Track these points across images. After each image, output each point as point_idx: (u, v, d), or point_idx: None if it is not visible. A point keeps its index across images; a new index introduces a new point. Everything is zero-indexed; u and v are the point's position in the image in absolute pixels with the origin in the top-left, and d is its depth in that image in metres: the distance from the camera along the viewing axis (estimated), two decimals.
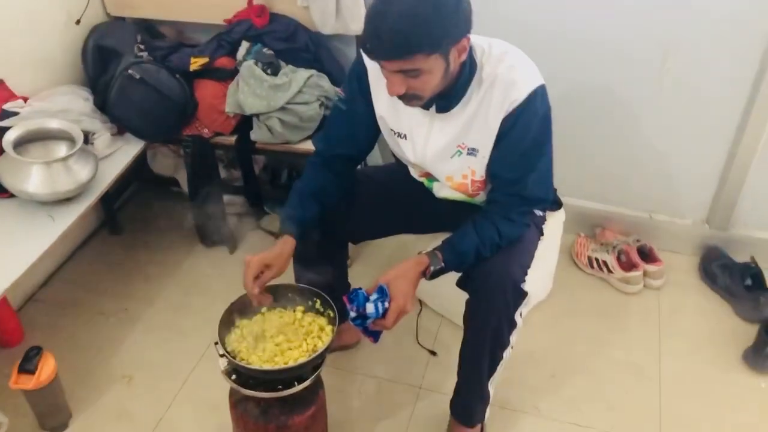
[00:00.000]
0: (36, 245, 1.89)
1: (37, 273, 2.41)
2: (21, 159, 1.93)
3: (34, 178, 1.93)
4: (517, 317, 1.62)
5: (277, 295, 1.68)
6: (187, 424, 1.96)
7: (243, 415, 1.65)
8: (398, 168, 1.86)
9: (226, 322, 1.63)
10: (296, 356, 1.58)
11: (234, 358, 1.56)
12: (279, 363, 1.56)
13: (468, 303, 1.63)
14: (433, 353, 2.18)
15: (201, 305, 2.33)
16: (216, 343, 1.57)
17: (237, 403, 1.66)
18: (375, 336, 1.63)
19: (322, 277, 1.78)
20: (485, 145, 1.56)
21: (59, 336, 2.24)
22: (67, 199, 2.00)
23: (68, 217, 1.98)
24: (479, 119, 1.54)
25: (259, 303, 1.62)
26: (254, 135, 2.26)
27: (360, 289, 1.54)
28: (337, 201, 1.74)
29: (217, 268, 2.49)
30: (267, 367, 1.54)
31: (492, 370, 1.71)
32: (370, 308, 1.51)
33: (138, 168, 2.62)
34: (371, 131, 1.73)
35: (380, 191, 1.87)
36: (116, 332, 2.25)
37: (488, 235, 1.58)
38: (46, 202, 1.98)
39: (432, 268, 1.58)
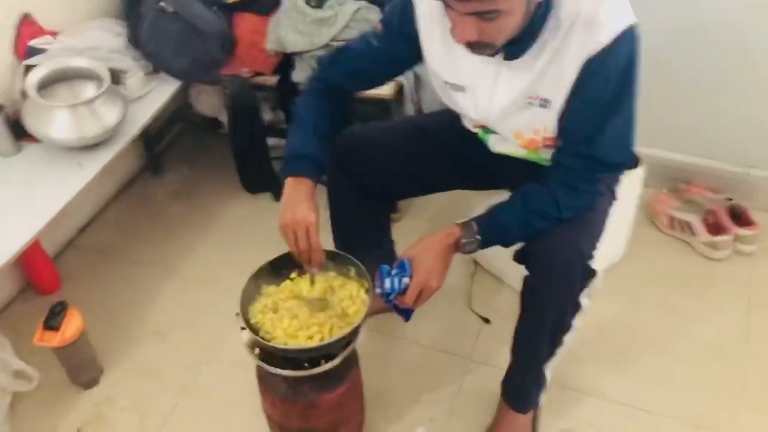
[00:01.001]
0: (62, 194, 1.77)
1: (77, 216, 2.32)
2: (44, 103, 1.79)
3: (58, 122, 1.79)
4: (582, 299, 1.40)
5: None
6: (219, 385, 1.84)
7: (270, 390, 1.51)
8: (447, 115, 1.62)
9: (251, 290, 1.47)
10: (325, 329, 1.41)
11: (257, 331, 1.40)
12: (306, 337, 1.39)
13: (526, 280, 1.42)
14: (486, 321, 1.98)
15: (241, 257, 2.15)
16: (237, 314, 1.41)
17: (263, 376, 1.51)
18: (405, 314, 1.48)
19: (359, 239, 1.59)
20: (559, 96, 1.31)
21: (94, 285, 2.15)
22: (95, 145, 1.86)
23: (96, 164, 1.84)
24: (555, 65, 1.28)
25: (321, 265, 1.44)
26: (296, 75, 2.05)
27: (385, 263, 1.40)
28: (338, 132, 1.57)
29: (259, 216, 2.35)
30: (291, 345, 1.38)
31: (550, 354, 1.51)
32: (387, 284, 1.37)
33: (183, 107, 2.47)
34: (391, 76, 1.59)
35: (427, 141, 1.64)
36: (152, 284, 2.15)
37: (541, 207, 1.35)
38: (73, 148, 1.84)
39: (464, 241, 1.37)
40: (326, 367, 1.40)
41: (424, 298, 1.38)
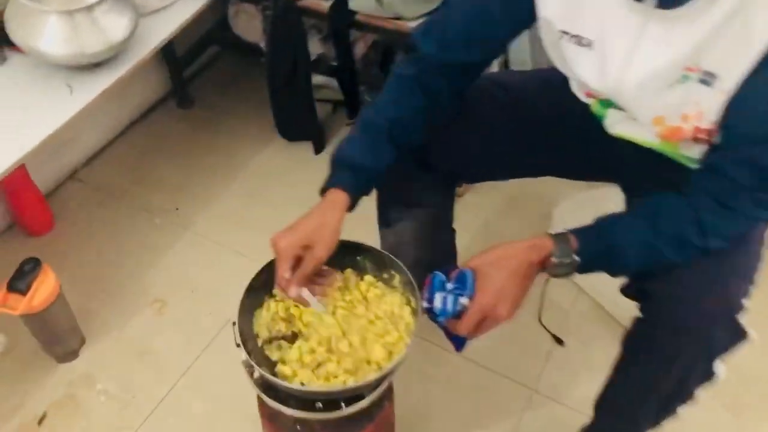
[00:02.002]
0: (49, 120, 1.40)
1: (80, 146, 1.97)
2: (32, 5, 1.40)
3: (49, 32, 1.40)
4: (717, 366, 0.98)
5: (336, 257, 1.11)
6: (220, 377, 1.49)
7: (272, 422, 1.14)
8: (550, 78, 1.18)
9: (257, 289, 1.09)
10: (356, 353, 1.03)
11: (261, 353, 1.04)
12: (325, 372, 1.02)
13: (638, 323, 1.00)
14: (559, 342, 1.57)
15: (267, 217, 1.78)
16: (234, 324, 1.03)
17: (265, 404, 1.14)
18: (457, 342, 1.09)
19: (411, 236, 1.19)
20: (733, 72, 0.86)
21: (91, 231, 1.81)
22: (95, 64, 1.48)
23: (92, 88, 1.46)
24: (734, 25, 0.84)
25: (306, 304, 1.06)
26: (354, 2, 1.62)
27: (445, 271, 1.02)
28: (425, 138, 1.13)
29: (294, 170, 1.96)
30: (303, 386, 1.00)
31: (654, 424, 1.10)
32: (437, 301, 0.99)
33: (218, 27, 2.07)
34: (515, 28, 1.10)
35: (516, 109, 1.20)
36: (159, 238, 1.80)
37: (677, 229, 0.94)
38: (68, 66, 1.46)
39: (555, 260, 0.96)
40: (348, 411, 1.03)
41: (484, 329, 0.98)
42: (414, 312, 1.07)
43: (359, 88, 1.91)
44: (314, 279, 1.04)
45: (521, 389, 1.49)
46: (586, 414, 1.29)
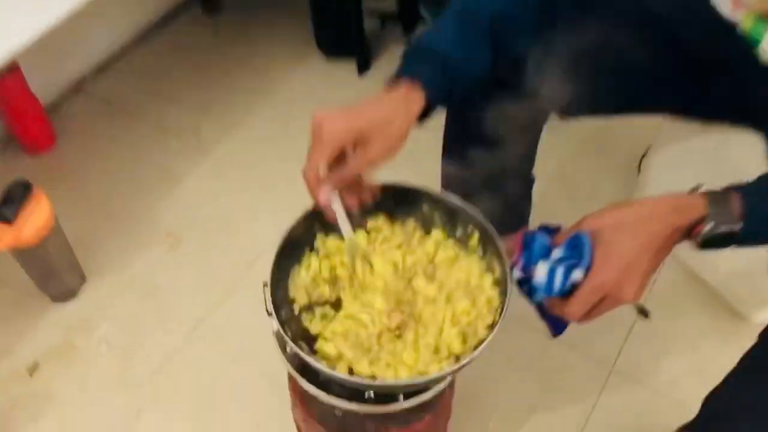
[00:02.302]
0: (43, 14, 1.13)
1: (90, 52, 1.71)
2: None
3: None
4: None
5: (397, 205, 0.86)
6: (240, 329, 1.27)
7: (310, 409, 0.92)
8: None
9: (295, 241, 0.84)
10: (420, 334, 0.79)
11: (300, 324, 0.80)
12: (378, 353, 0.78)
13: None
14: (643, 313, 1.30)
15: (302, 147, 1.55)
16: (265, 286, 0.79)
17: (298, 389, 0.91)
18: (555, 326, 0.85)
19: (483, 180, 0.93)
20: None
21: (97, 151, 1.57)
22: None
23: None
24: None
25: (332, 218, 0.79)
26: None
27: (546, 230, 0.78)
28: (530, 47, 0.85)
29: (335, 92, 1.69)
30: (351, 377, 0.76)
31: None
32: (540, 273, 0.74)
33: None
34: None
35: (643, 28, 0.91)
36: (175, 163, 1.56)
37: None
38: None
39: (708, 228, 0.69)
40: (406, 405, 0.79)
41: (599, 313, 0.74)
42: (497, 283, 0.82)
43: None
44: (356, 192, 0.78)
45: (597, 367, 1.25)
46: (671, 398, 1.15)
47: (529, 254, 0.77)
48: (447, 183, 1.09)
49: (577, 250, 0.73)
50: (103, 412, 1.20)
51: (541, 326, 0.85)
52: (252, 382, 1.22)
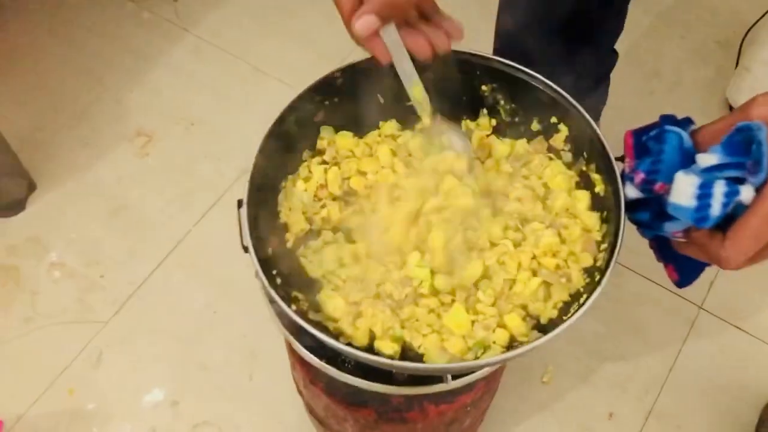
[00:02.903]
0: None
1: None
2: None
3: None
4: None
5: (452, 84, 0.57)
6: (227, 252, 0.98)
7: (318, 382, 0.65)
8: None
9: (287, 138, 0.55)
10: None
11: (293, 263, 0.53)
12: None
13: None
14: None
15: (306, 22, 1.25)
16: (240, 205, 0.50)
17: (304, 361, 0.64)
18: (687, 271, 0.55)
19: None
20: None
21: (49, 25, 1.26)
22: None
23: None
24: None
25: (385, 58, 0.49)
26: None
27: (671, 121, 0.49)
28: None
29: None
30: (381, 358, 0.48)
31: None
32: (683, 189, 0.46)
33: None
34: None
35: None
36: (147, 41, 1.26)
37: None
38: None
39: None
40: (459, 383, 0.53)
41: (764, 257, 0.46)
42: (597, 206, 0.54)
43: None
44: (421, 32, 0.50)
45: (684, 305, 0.98)
46: None
47: (656, 160, 0.48)
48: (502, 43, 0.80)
49: (743, 152, 0.44)
50: (54, 355, 0.95)
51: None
52: (240, 320, 0.97)
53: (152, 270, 1.02)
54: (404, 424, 0.64)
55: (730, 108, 1.09)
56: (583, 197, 0.54)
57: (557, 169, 0.56)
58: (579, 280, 0.51)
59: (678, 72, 1.18)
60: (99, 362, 0.95)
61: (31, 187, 1.08)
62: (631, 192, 0.50)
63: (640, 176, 0.48)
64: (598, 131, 0.52)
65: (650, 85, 1.17)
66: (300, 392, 0.75)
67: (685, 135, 0.48)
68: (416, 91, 0.51)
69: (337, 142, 0.57)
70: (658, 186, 0.47)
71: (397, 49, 0.48)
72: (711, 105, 1.15)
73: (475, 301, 0.50)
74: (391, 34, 0.48)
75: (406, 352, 0.50)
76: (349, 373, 0.53)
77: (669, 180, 0.47)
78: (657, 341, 0.96)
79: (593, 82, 0.88)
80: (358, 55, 0.54)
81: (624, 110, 1.05)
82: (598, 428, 0.90)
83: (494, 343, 0.50)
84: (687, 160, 0.47)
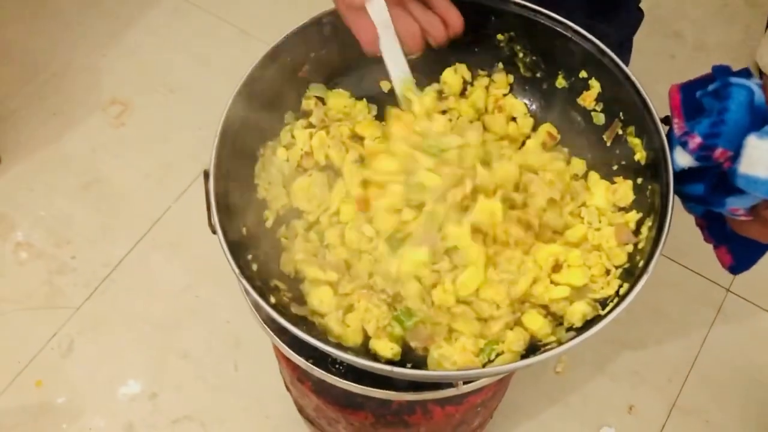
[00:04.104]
0: None
1: None
2: None
3: None
4: None
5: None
6: (202, 234, 0.90)
7: (296, 370, 0.57)
8: None
9: (268, 99, 0.46)
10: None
11: (272, 246, 0.44)
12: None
13: None
14: None
15: None
16: (206, 176, 0.41)
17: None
18: (742, 252, 0.49)
19: None
20: None
21: None
22: None
23: None
24: None
25: (370, 44, 0.41)
26: None
27: (728, 73, 0.39)
28: None
29: None
30: (383, 365, 0.40)
31: None
32: (757, 155, 0.36)
33: None
34: None
35: None
36: (121, 3, 1.18)
37: None
38: None
39: None
40: (469, 388, 0.44)
41: None
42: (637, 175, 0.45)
43: None
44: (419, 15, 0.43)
45: (710, 288, 0.91)
46: None
47: (718, 120, 0.39)
48: None
49: None
50: (20, 344, 0.88)
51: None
52: (224, 305, 0.90)
53: (128, 250, 0.94)
54: (405, 428, 0.56)
55: (760, 74, 1.00)
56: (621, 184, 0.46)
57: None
58: (613, 285, 0.43)
59: (701, 33, 1.10)
60: (70, 351, 0.88)
61: None
62: (682, 159, 0.42)
63: (696, 140, 0.40)
64: (640, 87, 0.43)
65: (670, 47, 1.09)
66: (288, 389, 0.66)
67: (757, 90, 0.39)
68: (405, 89, 0.43)
69: (328, 101, 0.48)
70: (718, 152, 0.39)
71: (385, 31, 0.40)
72: None
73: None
74: (380, 12, 0.39)
75: (407, 353, 0.41)
76: (340, 377, 0.44)
77: (733, 145, 0.38)
78: (680, 327, 0.89)
79: (617, 45, 0.79)
80: None
81: (640, 76, 0.96)
82: (617, 423, 0.83)
83: (502, 342, 0.42)
84: (759, 121, 0.38)
